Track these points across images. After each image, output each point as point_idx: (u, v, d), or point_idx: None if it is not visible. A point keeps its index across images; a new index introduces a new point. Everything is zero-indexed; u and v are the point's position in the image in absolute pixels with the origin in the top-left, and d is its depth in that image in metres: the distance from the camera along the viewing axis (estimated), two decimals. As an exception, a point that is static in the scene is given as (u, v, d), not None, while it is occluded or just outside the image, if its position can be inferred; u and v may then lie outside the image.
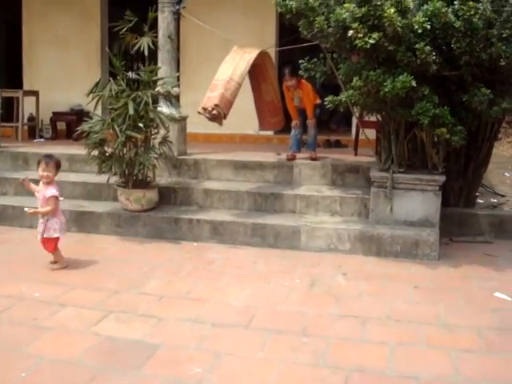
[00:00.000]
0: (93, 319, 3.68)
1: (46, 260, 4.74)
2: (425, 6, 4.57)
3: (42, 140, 8.83)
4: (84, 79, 8.63)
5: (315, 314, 3.86)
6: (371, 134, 6.52)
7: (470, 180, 5.90)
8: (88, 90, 5.80)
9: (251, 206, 5.89)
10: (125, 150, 5.63)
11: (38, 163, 4.61)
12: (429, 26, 4.50)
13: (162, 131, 5.87)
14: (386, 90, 4.63)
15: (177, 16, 6.57)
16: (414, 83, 4.56)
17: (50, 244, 4.64)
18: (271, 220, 5.52)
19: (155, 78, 5.87)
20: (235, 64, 5.64)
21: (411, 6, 4.56)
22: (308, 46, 6.18)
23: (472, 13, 4.41)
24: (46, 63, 9.58)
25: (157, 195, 5.90)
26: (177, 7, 6.50)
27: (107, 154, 5.67)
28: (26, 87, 9.44)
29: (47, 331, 3.51)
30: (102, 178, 5.90)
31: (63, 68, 9.49)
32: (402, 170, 5.38)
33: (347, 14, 4.58)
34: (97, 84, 5.81)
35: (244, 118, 7.43)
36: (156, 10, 6.16)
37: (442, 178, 5.28)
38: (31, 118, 9.07)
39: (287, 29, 6.81)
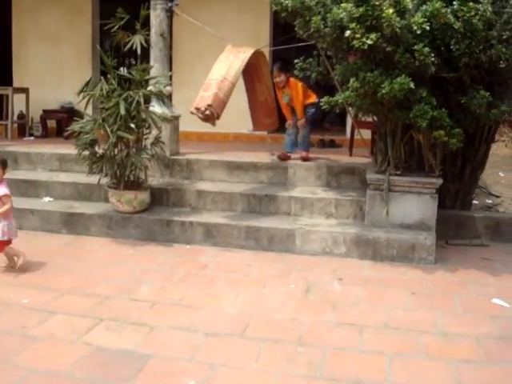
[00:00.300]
0: (83, 328, 3.58)
1: (35, 264, 4.64)
2: (424, 7, 4.48)
3: (32, 138, 8.70)
4: (75, 76, 8.53)
5: (311, 321, 3.78)
6: (366, 133, 6.44)
7: (466, 182, 5.83)
8: (79, 87, 5.68)
9: (245, 208, 5.79)
10: (116, 150, 5.52)
11: None
12: (428, 27, 4.41)
13: (154, 131, 5.76)
14: (384, 91, 4.54)
15: (169, 13, 6.44)
16: (412, 85, 4.47)
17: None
18: (265, 222, 5.43)
19: (147, 78, 5.75)
20: (229, 63, 5.53)
21: (410, 7, 4.46)
22: (304, 45, 6.07)
23: (472, 14, 4.32)
24: (36, 60, 9.42)
25: (149, 197, 5.79)
26: (169, 4, 6.37)
27: (98, 155, 5.55)
28: (15, 84, 9.27)
29: (36, 341, 3.41)
30: (93, 179, 5.78)
31: (53, 65, 9.33)
32: (398, 172, 5.30)
33: (344, 13, 4.49)
34: (87, 83, 5.69)
35: (237, 116, 7.32)
36: (148, 8, 6.04)
37: (439, 181, 5.20)
38: (21, 116, 8.94)
39: (282, 27, 6.71)
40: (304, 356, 3.30)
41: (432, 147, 5.22)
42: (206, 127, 5.80)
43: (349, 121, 7.94)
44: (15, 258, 4.60)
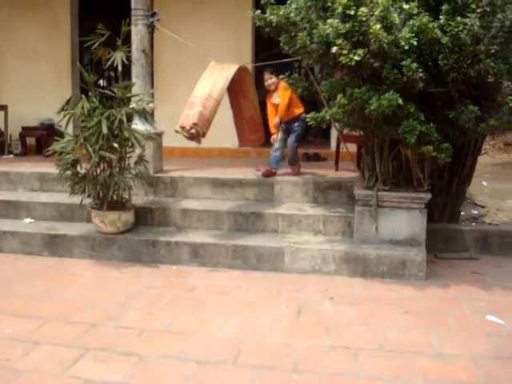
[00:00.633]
0: (69, 359, 3.44)
1: (17, 289, 4.48)
2: (411, 22, 4.43)
3: (12, 156, 8.54)
4: (54, 92, 8.41)
5: (305, 346, 3.67)
6: (352, 146, 6.38)
7: (453, 195, 5.79)
8: (58, 103, 5.54)
9: (232, 226, 5.69)
10: (99, 170, 5.39)
11: None
12: (415, 42, 4.36)
13: (138, 150, 5.63)
14: (372, 107, 4.47)
15: (151, 29, 6.34)
16: (400, 101, 4.42)
17: None
18: (253, 241, 5.33)
19: (130, 95, 5.63)
20: (214, 80, 5.44)
21: (397, 22, 4.41)
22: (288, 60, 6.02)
23: (460, 28, 4.28)
24: (15, 76, 9.27)
25: (133, 217, 5.66)
26: (151, 20, 6.28)
27: (80, 175, 5.41)
28: (-7, 101, 9.11)
29: (21, 374, 3.27)
30: (75, 199, 5.62)
31: (32, 81, 9.19)
32: (386, 187, 5.24)
33: (331, 29, 4.42)
34: (68, 101, 5.55)
35: (222, 131, 7.20)
36: (129, 23, 5.94)
37: (428, 196, 5.15)
38: None
39: (265, 41, 6.65)
40: (299, 384, 3.21)
41: (420, 162, 5.17)
42: (190, 143, 5.68)
43: (333, 133, 7.88)
44: None
